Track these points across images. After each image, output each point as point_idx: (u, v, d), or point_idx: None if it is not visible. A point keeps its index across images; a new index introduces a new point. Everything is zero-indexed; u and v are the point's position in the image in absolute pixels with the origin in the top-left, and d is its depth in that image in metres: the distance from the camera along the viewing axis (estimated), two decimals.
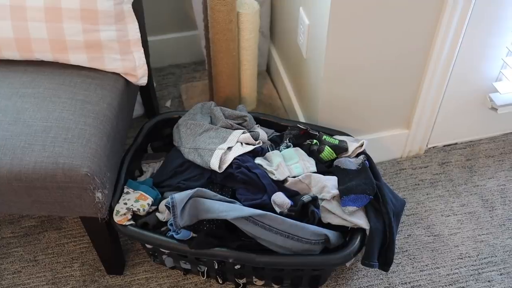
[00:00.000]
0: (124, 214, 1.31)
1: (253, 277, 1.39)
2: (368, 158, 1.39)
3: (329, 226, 1.29)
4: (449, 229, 1.60)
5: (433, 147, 1.82)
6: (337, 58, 1.42)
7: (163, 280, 1.49)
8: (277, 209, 1.27)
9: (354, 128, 1.62)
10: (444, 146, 1.82)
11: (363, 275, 1.49)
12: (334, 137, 1.44)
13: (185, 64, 2.14)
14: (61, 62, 1.37)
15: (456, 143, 1.83)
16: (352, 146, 1.41)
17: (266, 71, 2.08)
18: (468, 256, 1.54)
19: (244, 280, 1.41)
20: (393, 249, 1.30)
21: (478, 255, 1.54)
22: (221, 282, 1.43)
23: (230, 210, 1.23)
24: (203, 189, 1.26)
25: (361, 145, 1.41)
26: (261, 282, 1.41)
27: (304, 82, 1.67)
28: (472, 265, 1.52)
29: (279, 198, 1.27)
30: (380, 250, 1.30)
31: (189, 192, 1.24)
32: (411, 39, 1.43)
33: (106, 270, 1.50)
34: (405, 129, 1.71)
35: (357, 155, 1.40)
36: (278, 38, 1.92)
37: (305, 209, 1.27)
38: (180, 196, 1.24)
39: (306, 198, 1.26)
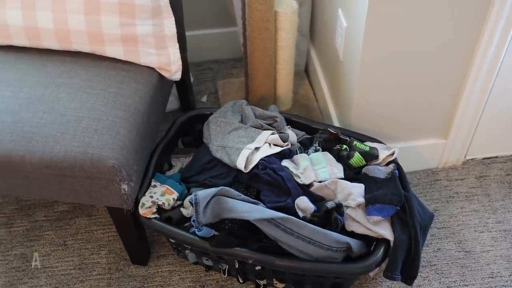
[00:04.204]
0: (149, 207, 1.32)
1: (274, 279, 1.38)
2: (398, 167, 1.35)
3: (353, 234, 1.27)
4: (481, 246, 1.54)
5: (472, 159, 1.75)
6: (373, 61, 1.39)
7: (185, 274, 1.50)
8: (300, 214, 1.26)
9: (389, 134, 1.59)
10: (484, 159, 1.76)
11: (387, 286, 1.46)
12: (365, 143, 1.42)
13: (224, 60, 2.15)
14: (98, 54, 1.40)
15: (496, 157, 1.76)
16: (383, 153, 1.38)
17: (305, 71, 2.06)
18: (500, 276, 1.47)
19: (264, 282, 1.40)
20: (418, 262, 1.26)
21: (510, 275, 1.47)
22: (241, 282, 1.43)
23: (253, 211, 1.22)
24: (227, 188, 1.26)
25: (392, 154, 1.37)
26: (282, 285, 1.40)
27: (339, 85, 1.64)
28: (503, 286, 1.45)
29: (303, 203, 1.25)
30: (404, 263, 1.26)
31: (213, 190, 1.25)
32: (452, 44, 1.38)
33: (131, 260, 1.53)
34: (442, 138, 1.65)
35: (388, 164, 1.37)
36: (317, 39, 1.90)
37: (328, 215, 1.25)
38: (203, 194, 1.24)
39: (330, 204, 1.24)
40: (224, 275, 1.44)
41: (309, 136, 1.49)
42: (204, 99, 2.01)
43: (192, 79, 2.03)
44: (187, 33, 2.03)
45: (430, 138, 1.65)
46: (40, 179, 1.25)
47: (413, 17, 1.30)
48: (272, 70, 1.72)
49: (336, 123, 1.71)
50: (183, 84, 1.82)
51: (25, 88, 1.31)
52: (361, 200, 1.26)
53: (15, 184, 1.28)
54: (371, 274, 1.42)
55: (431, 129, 1.62)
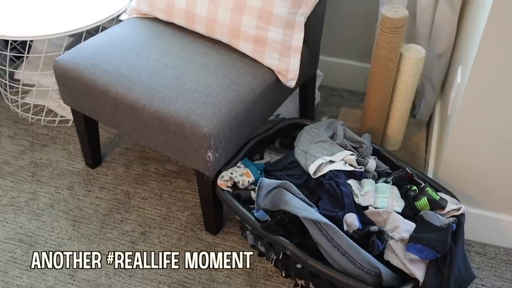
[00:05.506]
0: (226, 180, 1.52)
1: (310, 283, 1.48)
2: (458, 223, 1.36)
3: (389, 264, 1.32)
4: None
5: None
6: (468, 123, 1.43)
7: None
8: (345, 227, 1.35)
9: (475, 198, 1.58)
10: None
11: None
12: (437, 192, 1.45)
13: (356, 92, 2.28)
14: (232, 46, 1.65)
15: None
16: (450, 206, 1.40)
17: (427, 124, 2.10)
18: None
19: (303, 282, 1.51)
20: None
21: None
22: (283, 276, 1.55)
23: (304, 209, 1.35)
24: (290, 183, 1.41)
25: (458, 209, 1.39)
26: None
27: (442, 138, 1.68)
28: None
29: (350, 218, 1.34)
30: None
31: (278, 182, 1.40)
32: None
33: (205, 226, 1.74)
34: None
35: (451, 217, 1.39)
36: (444, 94, 1.94)
37: (369, 237, 1.32)
38: (269, 181, 1.41)
39: (373, 228, 1.32)
40: (271, 264, 1.58)
41: (390, 171, 1.56)
42: (324, 119, 2.16)
43: (318, 99, 2.20)
44: (331, 59, 2.22)
45: None
46: (151, 128, 1.52)
47: None
48: (385, 107, 1.82)
49: (430, 174, 1.74)
50: (305, 99, 2.00)
51: (168, 56, 1.62)
52: (406, 235, 1.31)
53: (134, 127, 1.58)
54: None
55: None
